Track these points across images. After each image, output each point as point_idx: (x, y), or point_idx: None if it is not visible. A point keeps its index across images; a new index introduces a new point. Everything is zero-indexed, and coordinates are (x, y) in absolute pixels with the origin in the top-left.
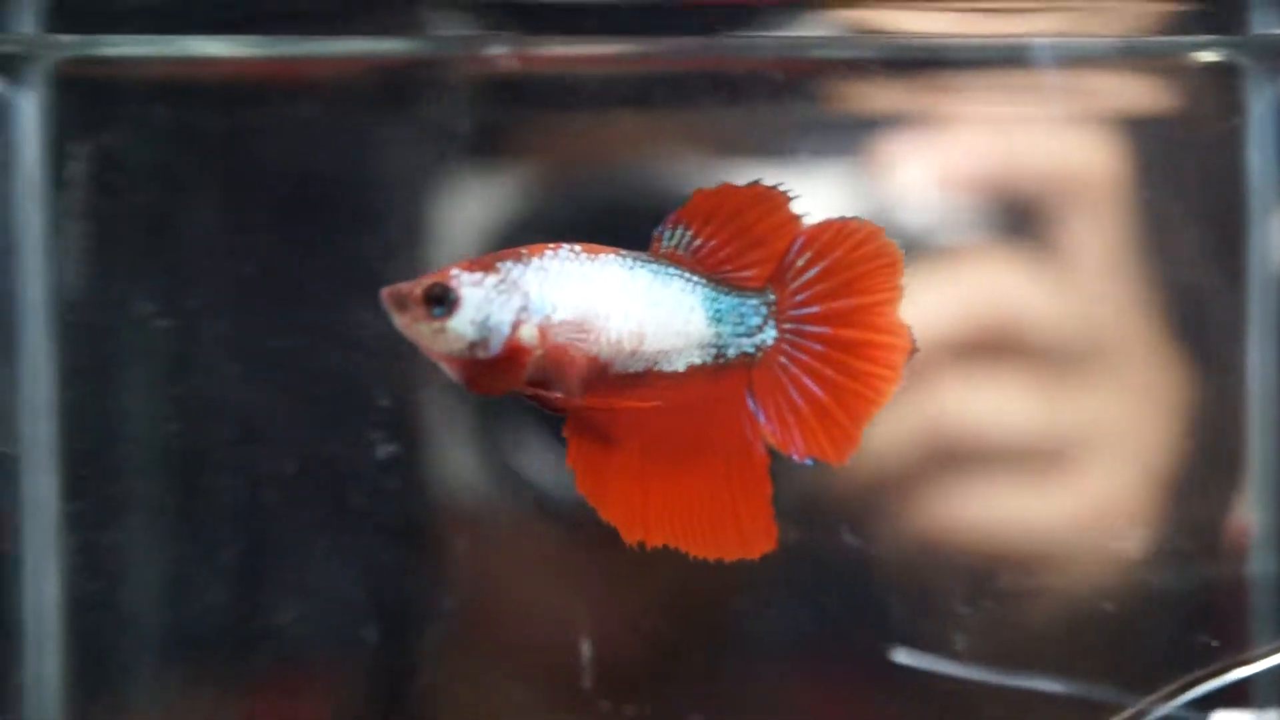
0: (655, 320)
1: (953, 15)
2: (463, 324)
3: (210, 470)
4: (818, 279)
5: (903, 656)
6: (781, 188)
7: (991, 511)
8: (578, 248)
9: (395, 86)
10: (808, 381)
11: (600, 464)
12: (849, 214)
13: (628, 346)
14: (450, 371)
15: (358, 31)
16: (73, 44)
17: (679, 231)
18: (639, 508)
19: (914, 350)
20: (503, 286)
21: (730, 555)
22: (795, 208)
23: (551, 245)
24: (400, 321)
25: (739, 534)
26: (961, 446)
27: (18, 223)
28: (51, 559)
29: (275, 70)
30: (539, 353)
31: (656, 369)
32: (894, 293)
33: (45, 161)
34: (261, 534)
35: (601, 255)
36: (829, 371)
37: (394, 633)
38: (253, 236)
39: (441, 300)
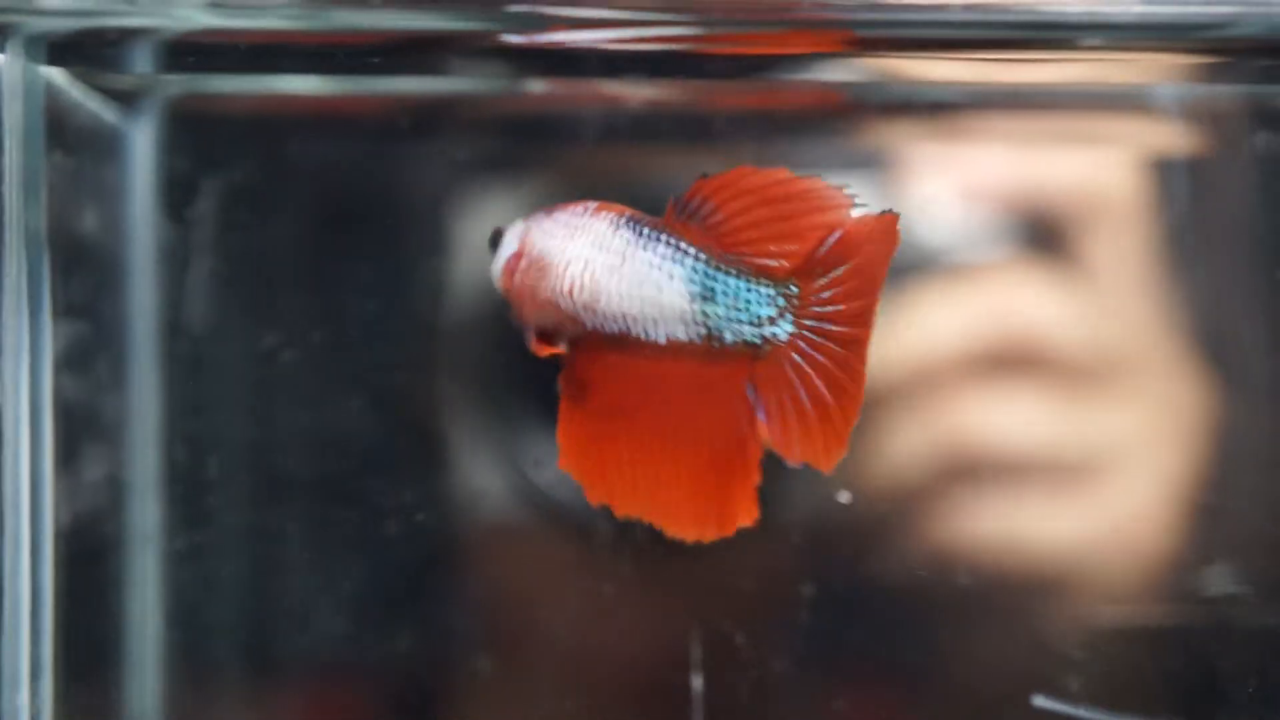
0: (618, 279)
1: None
2: (496, 264)
3: (332, 501)
4: (847, 276)
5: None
6: (846, 190)
7: (1013, 526)
8: (592, 204)
9: (479, 120)
10: (819, 384)
11: (588, 441)
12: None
13: (581, 297)
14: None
15: (442, 69)
16: (183, 81)
17: (698, 202)
18: (623, 487)
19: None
20: (516, 231)
21: (708, 538)
22: (851, 213)
23: (581, 203)
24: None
25: (719, 518)
26: (983, 461)
27: (132, 253)
28: (160, 587)
29: (369, 105)
30: (510, 292)
31: (635, 335)
32: (876, 282)
33: (159, 193)
34: (381, 564)
35: (603, 212)
36: (840, 375)
37: (509, 662)
38: (360, 267)
39: (494, 241)
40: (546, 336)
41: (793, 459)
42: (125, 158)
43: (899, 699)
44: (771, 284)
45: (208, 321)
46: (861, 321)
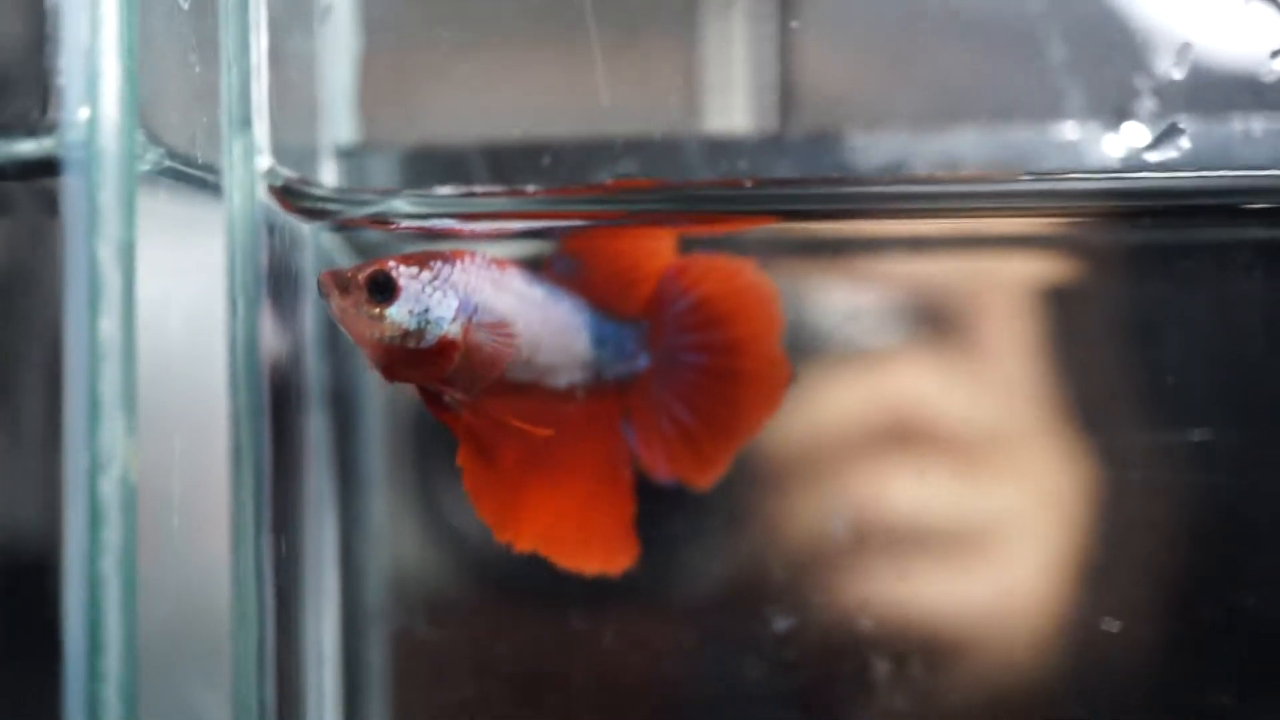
0: (547, 335)
1: None
2: (401, 314)
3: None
4: (689, 310)
5: None
6: (663, 238)
7: (909, 594)
8: (488, 256)
9: None
10: (678, 408)
11: (484, 468)
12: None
13: (523, 354)
14: (370, 357)
15: None
16: None
17: (567, 261)
18: (512, 513)
19: (791, 381)
20: (437, 283)
21: (591, 568)
22: (675, 253)
23: (467, 251)
24: (337, 304)
25: (602, 549)
26: (880, 532)
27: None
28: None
29: None
30: (460, 351)
31: (542, 382)
32: (770, 325)
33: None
34: None
35: (508, 268)
36: (702, 399)
37: None
38: None
39: (384, 288)
40: (436, 391)
41: (660, 477)
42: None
43: None
44: (632, 324)
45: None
46: (729, 352)
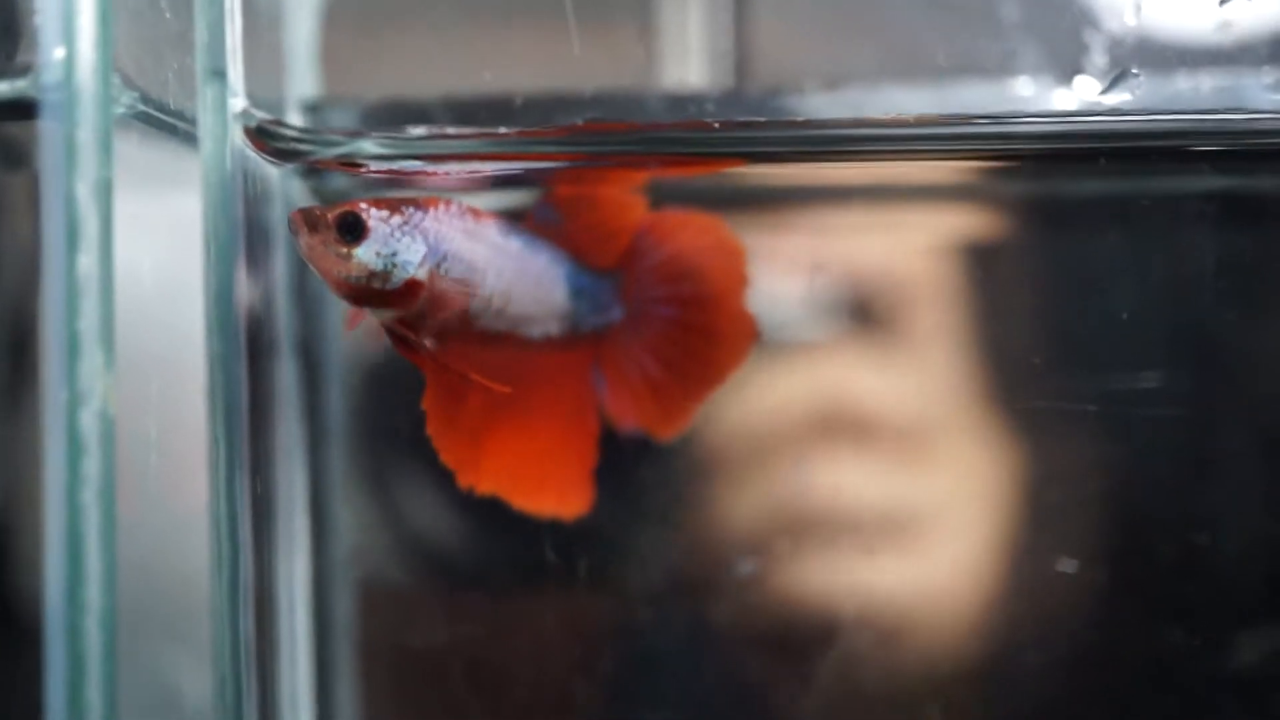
0: (523, 285)
1: None
2: (369, 254)
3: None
4: (662, 264)
5: None
6: (635, 195)
7: (842, 581)
8: (464, 205)
9: None
10: (647, 359)
11: (450, 411)
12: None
13: (495, 305)
14: (338, 294)
15: None
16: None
17: (548, 210)
18: (474, 456)
19: (757, 338)
20: (406, 228)
21: (546, 511)
22: (648, 212)
23: (443, 200)
24: (306, 241)
25: (559, 494)
26: (815, 520)
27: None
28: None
29: None
30: (424, 295)
31: (516, 332)
32: (738, 282)
33: None
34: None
35: (484, 218)
36: (671, 351)
37: None
38: None
39: (353, 228)
40: (402, 334)
41: (626, 427)
42: None
43: None
44: (608, 275)
45: None
46: (697, 308)
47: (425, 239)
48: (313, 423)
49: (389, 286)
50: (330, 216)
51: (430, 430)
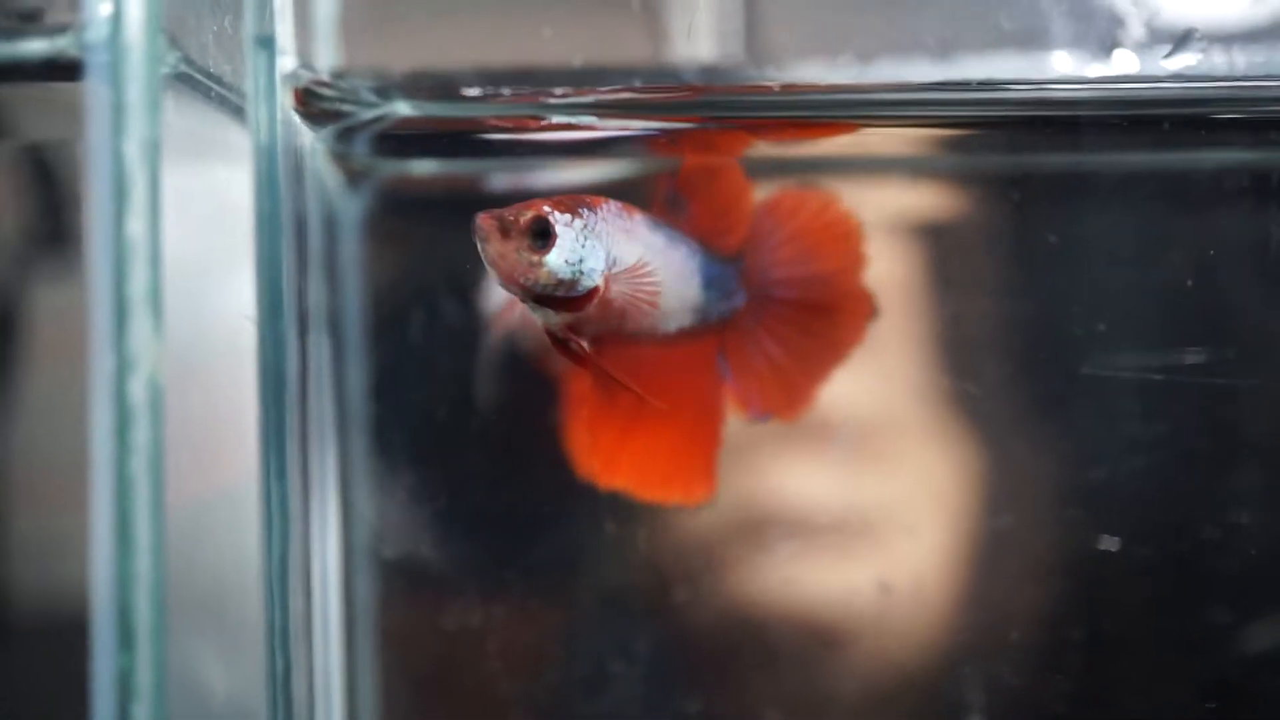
0: (670, 282)
1: None
2: (558, 262)
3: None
4: (781, 244)
5: None
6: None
7: (800, 581)
8: (619, 203)
9: None
10: (769, 343)
11: (600, 415)
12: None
13: (653, 300)
14: (521, 299)
15: None
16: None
17: (677, 198)
18: (617, 457)
19: (875, 315)
20: (586, 232)
21: (673, 502)
22: (749, 180)
23: (599, 196)
24: (497, 248)
25: (685, 484)
26: (776, 521)
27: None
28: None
29: None
30: (598, 299)
31: (657, 328)
32: (856, 260)
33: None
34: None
35: (634, 214)
36: (791, 334)
37: None
38: None
39: (544, 234)
40: (568, 337)
41: (752, 414)
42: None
43: None
44: (732, 261)
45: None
46: (815, 287)
47: (601, 243)
48: (341, 401)
49: (573, 294)
50: (522, 222)
51: (577, 435)
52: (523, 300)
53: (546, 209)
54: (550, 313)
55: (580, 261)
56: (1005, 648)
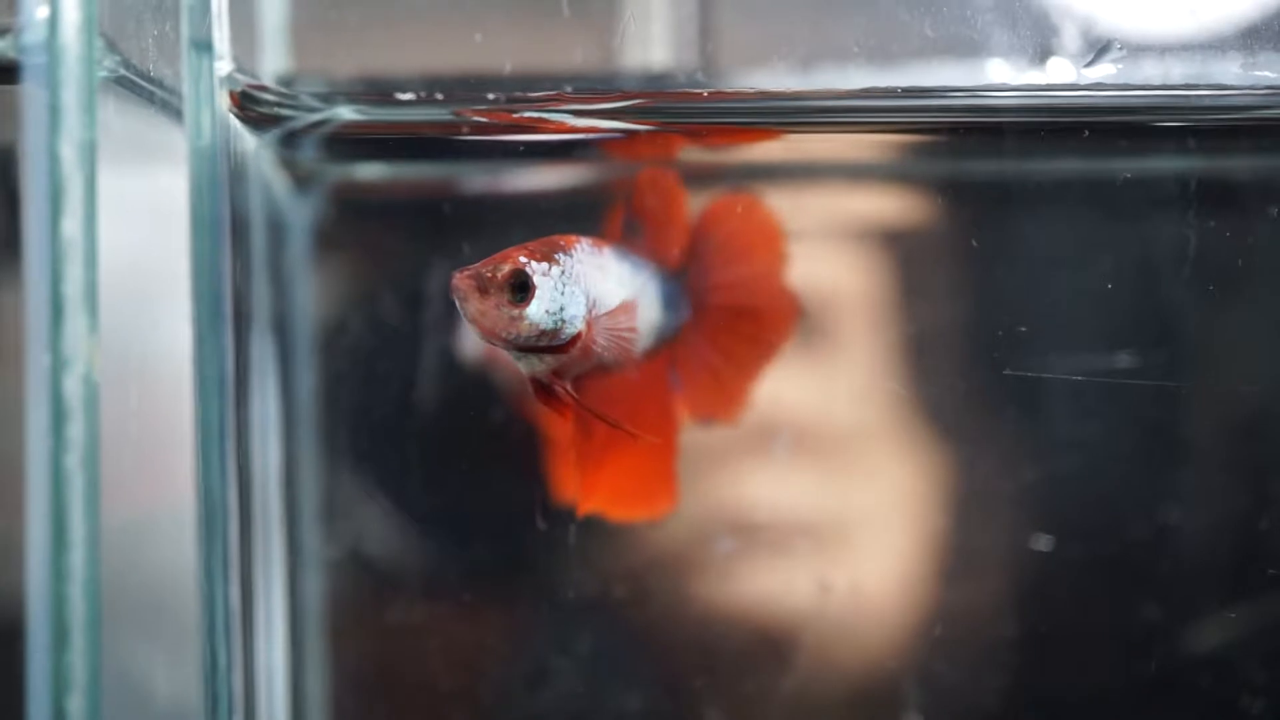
0: (641, 311)
1: None
2: (539, 313)
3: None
4: (713, 251)
5: None
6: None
7: (771, 589)
8: (588, 239)
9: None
10: (707, 350)
11: (582, 450)
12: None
13: (634, 337)
14: (509, 355)
15: None
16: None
17: (633, 223)
18: (594, 485)
19: (800, 314)
20: (565, 278)
21: (640, 519)
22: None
23: (571, 236)
24: (476, 306)
25: (648, 499)
26: (746, 526)
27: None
28: None
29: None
30: (580, 343)
31: (630, 358)
32: (778, 260)
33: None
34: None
35: (604, 248)
36: (725, 338)
37: None
38: None
39: (523, 287)
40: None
41: (698, 418)
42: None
43: None
44: (679, 276)
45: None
46: (743, 291)
47: (580, 286)
48: (286, 400)
49: (555, 343)
50: (499, 278)
51: (561, 473)
52: (506, 351)
53: (523, 259)
54: (535, 360)
55: (561, 310)
56: (943, 646)
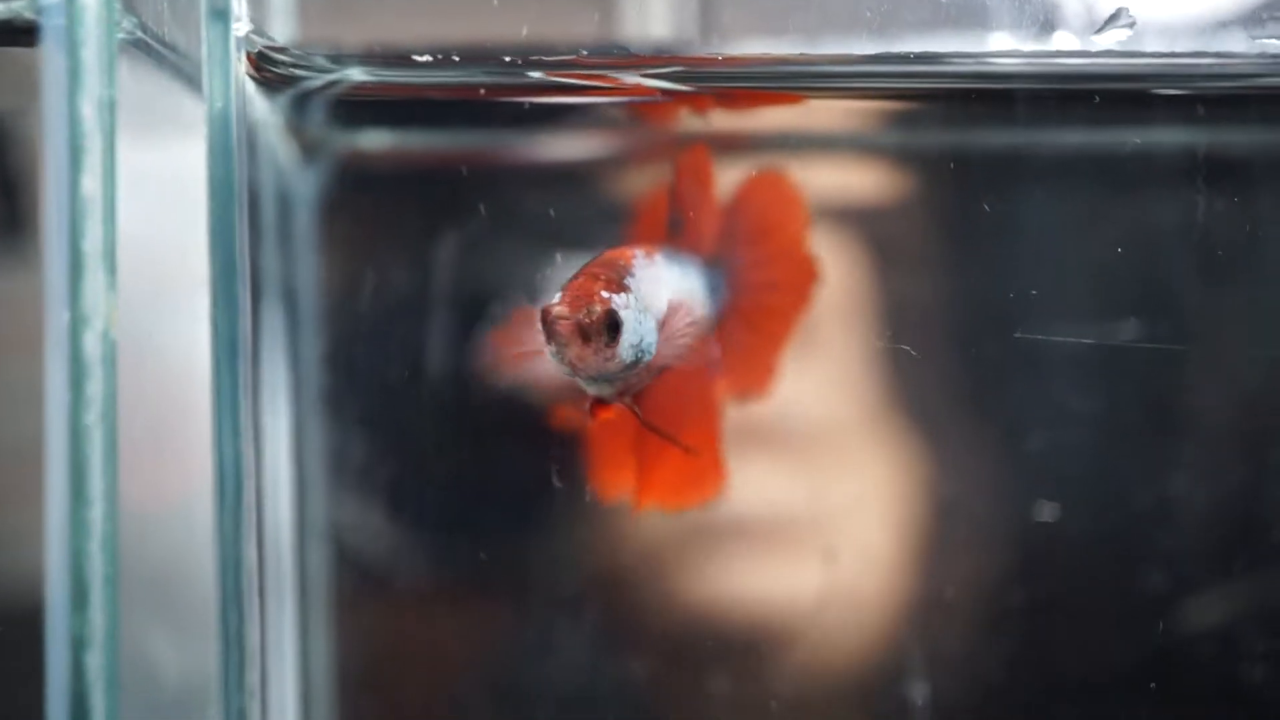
0: (692, 310)
1: None
2: (625, 348)
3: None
4: (746, 230)
5: None
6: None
7: (752, 583)
8: (640, 251)
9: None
10: (738, 327)
11: (640, 460)
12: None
13: (692, 345)
14: (581, 383)
15: None
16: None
17: (676, 219)
18: (650, 482)
19: (817, 281)
20: (639, 306)
21: (692, 504)
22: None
23: (624, 250)
24: (577, 352)
25: (699, 484)
26: (726, 521)
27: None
28: None
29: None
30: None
31: (685, 358)
32: (803, 228)
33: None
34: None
35: (654, 255)
36: (753, 313)
37: None
38: None
39: (615, 327)
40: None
41: (739, 397)
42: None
43: None
44: (719, 261)
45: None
46: (764, 263)
47: (649, 312)
48: (296, 369)
49: (634, 372)
50: (595, 320)
51: (641, 474)
52: (580, 381)
53: (605, 295)
54: (605, 384)
55: (640, 341)
56: (948, 617)
